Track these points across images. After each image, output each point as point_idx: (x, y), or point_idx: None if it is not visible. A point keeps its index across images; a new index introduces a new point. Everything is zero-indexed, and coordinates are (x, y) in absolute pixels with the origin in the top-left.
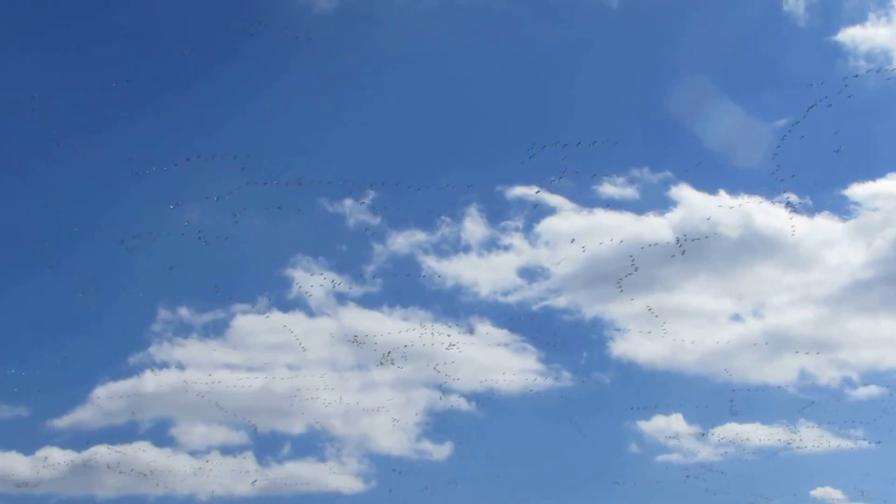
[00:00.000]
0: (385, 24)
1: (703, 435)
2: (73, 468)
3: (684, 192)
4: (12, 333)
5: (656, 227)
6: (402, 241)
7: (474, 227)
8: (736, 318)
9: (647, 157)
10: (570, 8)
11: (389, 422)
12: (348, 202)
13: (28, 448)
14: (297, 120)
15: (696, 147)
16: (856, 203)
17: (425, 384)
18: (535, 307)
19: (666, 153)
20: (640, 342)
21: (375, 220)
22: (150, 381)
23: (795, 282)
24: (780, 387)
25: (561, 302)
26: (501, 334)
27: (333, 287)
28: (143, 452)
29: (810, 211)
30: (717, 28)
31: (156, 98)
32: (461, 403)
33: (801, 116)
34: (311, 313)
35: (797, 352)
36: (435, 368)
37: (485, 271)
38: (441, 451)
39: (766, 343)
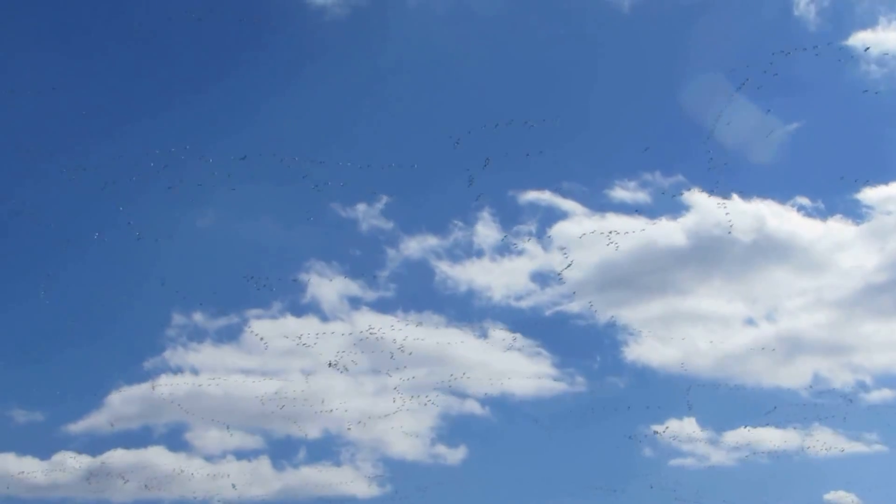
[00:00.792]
0: (397, 31)
1: (717, 439)
2: (88, 473)
3: (696, 197)
4: (28, 338)
5: (669, 232)
6: (415, 246)
7: (487, 231)
8: (749, 322)
9: (658, 162)
10: (580, 12)
11: (404, 426)
12: (361, 207)
13: (43, 453)
14: (311, 125)
15: (708, 151)
16: (868, 206)
17: (439, 388)
18: (548, 312)
19: (678, 158)
20: (654, 346)
21: (388, 225)
22: (165, 386)
23: (808, 286)
24: (793, 390)
25: (574, 307)
26: (515, 338)
27: (347, 291)
28: (158, 457)
29: (823, 214)
30: (728, 32)
31: (170, 102)
32: (475, 408)
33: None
34: (324, 318)
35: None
36: (449, 374)
37: (498, 276)
38: (455, 455)
39: (780, 347)
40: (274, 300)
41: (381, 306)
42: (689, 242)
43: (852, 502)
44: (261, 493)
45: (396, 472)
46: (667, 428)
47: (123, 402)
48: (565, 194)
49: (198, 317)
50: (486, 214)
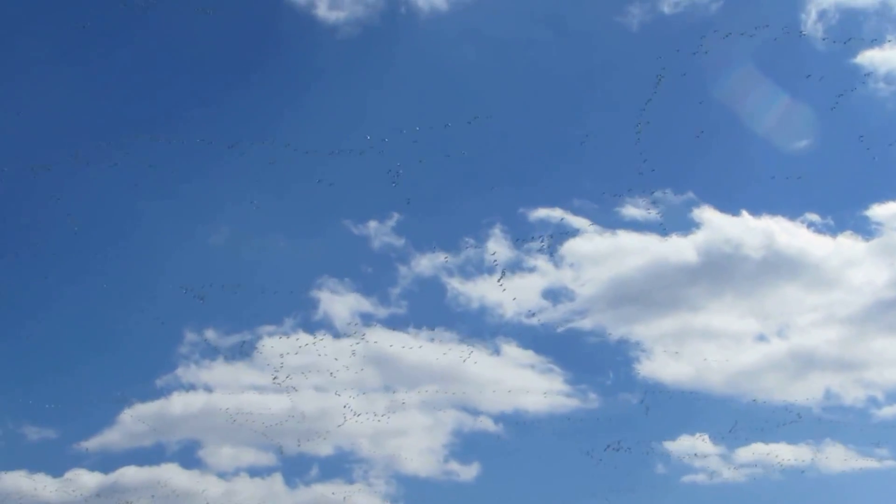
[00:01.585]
0: (408, 50)
1: (729, 455)
2: (100, 490)
3: (707, 214)
4: (39, 355)
5: (681, 249)
6: (427, 263)
7: (498, 248)
8: (761, 338)
9: (669, 179)
10: (589, 31)
11: (417, 443)
12: (373, 224)
13: (56, 470)
14: (321, 144)
15: (718, 169)
16: (878, 223)
17: (452, 405)
18: (560, 329)
19: (688, 175)
20: (666, 363)
21: (400, 242)
22: (178, 403)
23: (819, 302)
24: (805, 406)
25: (586, 324)
26: (527, 355)
27: (359, 308)
28: (172, 474)
29: (832, 231)
30: (737, 51)
31: (176, 119)
32: (488, 424)
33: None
34: (337, 335)
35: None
36: (463, 390)
37: (509, 293)
38: (469, 472)
39: (791, 363)
40: (286, 317)
41: (394, 323)
42: (700, 259)
43: None
44: None
45: (409, 489)
46: (679, 444)
47: (136, 419)
48: (576, 211)
49: (210, 334)
50: (497, 231)
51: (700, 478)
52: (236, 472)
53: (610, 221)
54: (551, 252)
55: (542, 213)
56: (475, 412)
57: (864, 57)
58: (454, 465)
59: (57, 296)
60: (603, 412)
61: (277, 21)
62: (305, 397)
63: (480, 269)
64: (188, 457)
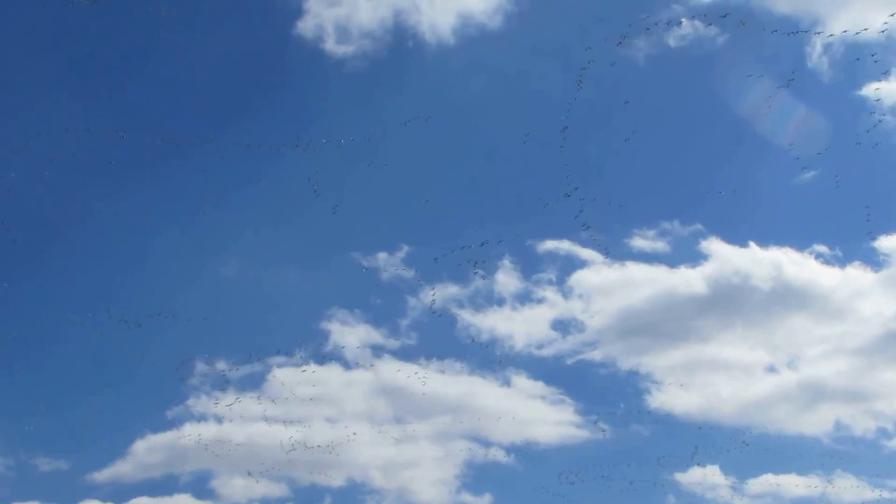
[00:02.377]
0: (415, 83)
1: (740, 486)
2: None
3: (715, 246)
4: (51, 386)
5: (689, 280)
6: (437, 295)
7: (507, 280)
8: (771, 369)
9: (676, 211)
10: (596, 65)
11: (428, 474)
12: (382, 256)
13: (68, 501)
14: (330, 174)
15: (725, 200)
16: (886, 254)
17: (463, 436)
18: (570, 360)
19: (695, 207)
20: (677, 394)
21: (409, 274)
22: (190, 434)
23: (829, 333)
24: (815, 437)
25: (596, 355)
26: (538, 386)
27: (370, 340)
28: None
29: (841, 262)
30: (743, 85)
31: (183, 152)
32: (499, 455)
33: None
34: (347, 366)
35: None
36: (473, 421)
37: (519, 324)
38: (480, 503)
39: (801, 394)
40: (296, 348)
41: (404, 354)
42: (709, 290)
43: None
44: None
45: None
46: (690, 475)
47: (148, 449)
48: (584, 243)
49: (221, 364)
50: (506, 263)
51: None
52: (248, 503)
53: (619, 253)
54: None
55: (550, 244)
56: (486, 443)
57: (869, 89)
58: (466, 496)
59: (68, 326)
60: (614, 443)
61: (286, 55)
62: (316, 428)
63: (490, 300)
64: (200, 487)
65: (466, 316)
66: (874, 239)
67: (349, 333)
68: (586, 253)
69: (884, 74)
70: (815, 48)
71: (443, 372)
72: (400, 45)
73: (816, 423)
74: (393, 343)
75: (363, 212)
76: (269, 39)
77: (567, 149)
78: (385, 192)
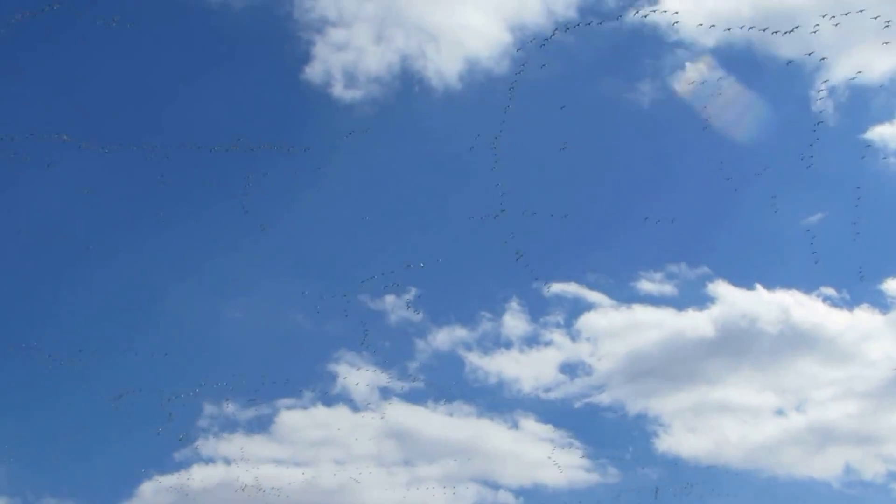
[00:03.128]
0: (423, 126)
1: None
2: None
3: (722, 288)
4: (59, 426)
5: (697, 323)
6: (444, 338)
7: (515, 322)
8: (779, 412)
9: (683, 254)
10: (601, 109)
11: None
12: (390, 298)
13: None
14: (341, 218)
15: (731, 243)
16: (894, 297)
17: (472, 479)
18: (577, 404)
19: (702, 250)
20: (685, 437)
21: (417, 317)
22: (198, 476)
23: (837, 376)
24: (825, 481)
25: (604, 398)
26: (546, 429)
27: (377, 382)
28: None
29: (849, 305)
30: (748, 127)
31: (192, 196)
32: (508, 499)
33: None
34: (355, 408)
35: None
36: (482, 463)
37: (527, 367)
38: None
39: (810, 437)
40: (304, 390)
41: (412, 397)
42: (717, 333)
43: None
44: None
45: None
46: None
47: (155, 491)
48: (591, 286)
49: (229, 407)
50: (514, 305)
51: None
52: None
53: (625, 296)
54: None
55: (557, 287)
56: (495, 486)
57: (874, 132)
58: None
59: (77, 368)
60: (623, 486)
61: (294, 100)
62: (324, 470)
63: (497, 343)
64: None
65: (474, 358)
66: (882, 282)
67: (357, 376)
68: (594, 296)
69: (888, 117)
70: (820, 92)
71: (451, 414)
72: (407, 89)
73: (825, 466)
74: (401, 386)
75: (371, 254)
76: (277, 84)
77: (571, 191)
78: (393, 235)
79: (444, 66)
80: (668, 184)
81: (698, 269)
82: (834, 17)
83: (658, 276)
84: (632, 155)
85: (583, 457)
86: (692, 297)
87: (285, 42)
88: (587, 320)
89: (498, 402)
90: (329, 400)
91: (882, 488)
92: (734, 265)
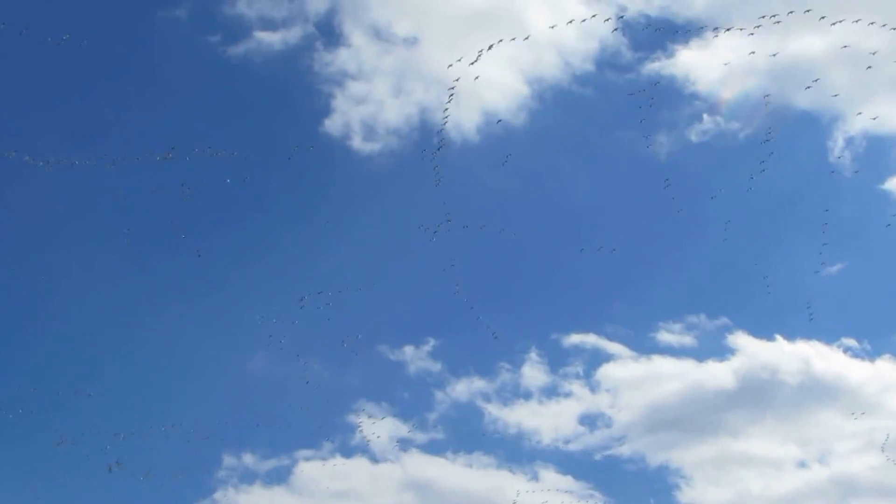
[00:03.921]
0: (443, 180)
1: None
2: None
3: (742, 340)
4: (75, 479)
5: (717, 374)
6: (463, 388)
7: (534, 373)
8: (802, 464)
9: (702, 305)
10: (618, 161)
11: None
12: (409, 349)
13: None
14: (358, 271)
15: (751, 294)
16: None
17: None
18: (598, 456)
19: (721, 300)
20: (707, 489)
21: (436, 367)
22: None
23: (859, 428)
24: None
25: (625, 450)
26: (566, 481)
27: (397, 433)
28: None
29: (870, 356)
30: (766, 180)
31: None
32: None
33: None
34: (375, 459)
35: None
36: None
37: (546, 418)
38: None
39: (833, 490)
40: (324, 441)
41: (431, 448)
42: (738, 384)
43: None
44: None
45: None
46: None
47: None
48: (610, 337)
49: (248, 458)
50: (533, 356)
51: None
52: None
53: (645, 347)
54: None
55: (576, 338)
56: None
57: (892, 183)
58: None
59: (93, 417)
60: None
61: (314, 152)
62: None
63: (517, 393)
64: None
65: (493, 409)
66: None
67: (376, 427)
68: (613, 347)
69: None
70: (837, 142)
71: (470, 465)
72: (425, 142)
73: None
74: (420, 437)
75: (389, 305)
76: (297, 137)
77: (588, 243)
78: (411, 286)
79: (462, 118)
80: (685, 236)
81: (718, 320)
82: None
83: (677, 327)
84: (648, 206)
85: None
86: (712, 348)
87: (305, 95)
88: (606, 371)
89: (517, 453)
90: (348, 451)
91: None
92: (754, 316)
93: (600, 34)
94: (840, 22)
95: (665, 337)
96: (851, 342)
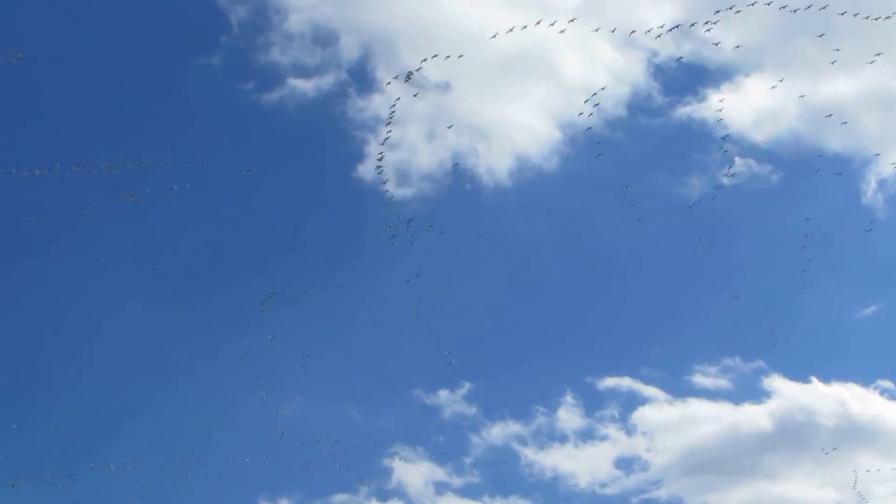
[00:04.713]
0: (474, 225)
1: None
2: None
3: (777, 382)
4: None
5: (754, 417)
6: (499, 432)
7: (570, 417)
8: None
9: (738, 348)
10: (649, 204)
11: None
12: (444, 393)
13: None
14: (399, 313)
15: (786, 337)
16: None
17: None
18: (634, 500)
19: (757, 343)
20: None
21: (472, 411)
22: None
23: None
24: None
25: (662, 493)
26: None
27: (433, 477)
28: None
29: None
30: (799, 223)
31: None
32: None
33: None
34: (410, 503)
35: None
36: None
37: (582, 462)
38: None
39: None
40: (359, 485)
41: (468, 492)
42: (774, 427)
43: None
44: None
45: None
46: None
47: None
48: (646, 380)
49: (284, 503)
50: (568, 399)
51: None
52: None
53: (681, 390)
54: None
55: (611, 381)
56: None
57: None
58: None
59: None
60: None
61: (347, 198)
62: None
63: (552, 437)
64: None
65: (529, 453)
66: None
67: (412, 471)
68: (648, 390)
69: None
70: (870, 185)
71: None
72: (458, 187)
73: None
74: (456, 481)
75: (425, 349)
76: (331, 182)
77: (623, 285)
78: (446, 330)
79: (495, 163)
80: (718, 277)
81: (753, 363)
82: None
83: (713, 370)
84: (681, 249)
85: None
86: (748, 390)
87: (339, 141)
88: (642, 414)
89: (554, 496)
90: (384, 495)
91: None
92: (789, 358)
93: (631, 78)
94: (872, 62)
95: (700, 380)
96: (888, 384)
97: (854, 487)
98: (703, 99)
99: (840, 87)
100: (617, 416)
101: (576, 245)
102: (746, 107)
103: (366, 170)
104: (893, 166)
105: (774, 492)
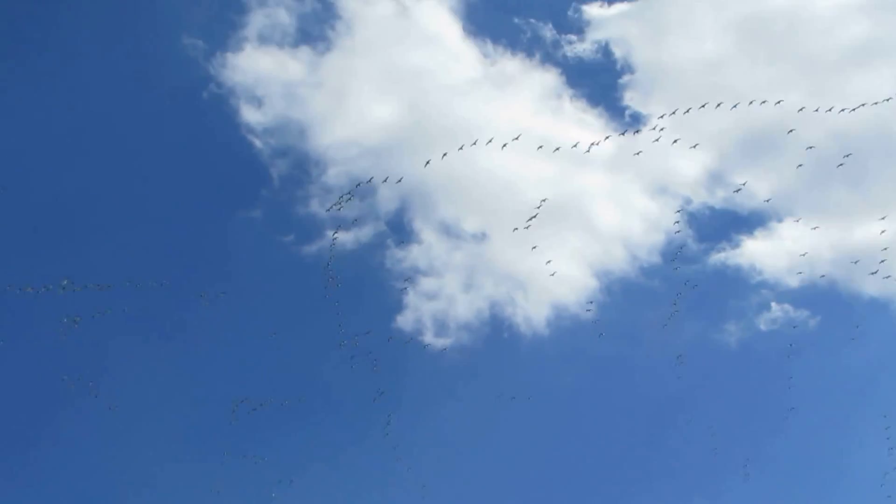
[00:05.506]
0: (511, 373)
1: None
2: None
3: None
4: None
5: None
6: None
7: None
8: None
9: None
10: (689, 349)
11: None
12: None
13: None
14: (439, 464)
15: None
16: None
17: None
18: None
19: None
20: None
21: None
22: None
23: None
24: None
25: None
26: None
27: None
28: None
29: None
30: (838, 367)
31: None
32: None
33: None
34: None
35: None
36: None
37: None
38: None
39: None
40: None
41: None
42: None
43: None
44: None
45: None
46: None
47: None
48: None
49: None
50: None
51: None
52: None
53: None
54: None
55: None
56: None
57: None
58: None
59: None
60: None
61: (387, 348)
62: None
63: None
64: None
65: None
66: None
67: None
68: None
69: None
70: None
71: None
72: (496, 336)
73: None
74: None
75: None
76: (375, 333)
77: (663, 434)
78: (484, 473)
79: (532, 311)
80: (761, 427)
81: None
82: None
83: None
84: (719, 396)
85: None
86: None
87: (378, 291)
88: None
89: None
90: None
91: None
92: None
93: (665, 226)
94: None
95: None
96: None
97: None
98: (737, 245)
99: (873, 232)
100: None
101: (612, 390)
102: (781, 252)
103: (405, 320)
104: None
105: None
